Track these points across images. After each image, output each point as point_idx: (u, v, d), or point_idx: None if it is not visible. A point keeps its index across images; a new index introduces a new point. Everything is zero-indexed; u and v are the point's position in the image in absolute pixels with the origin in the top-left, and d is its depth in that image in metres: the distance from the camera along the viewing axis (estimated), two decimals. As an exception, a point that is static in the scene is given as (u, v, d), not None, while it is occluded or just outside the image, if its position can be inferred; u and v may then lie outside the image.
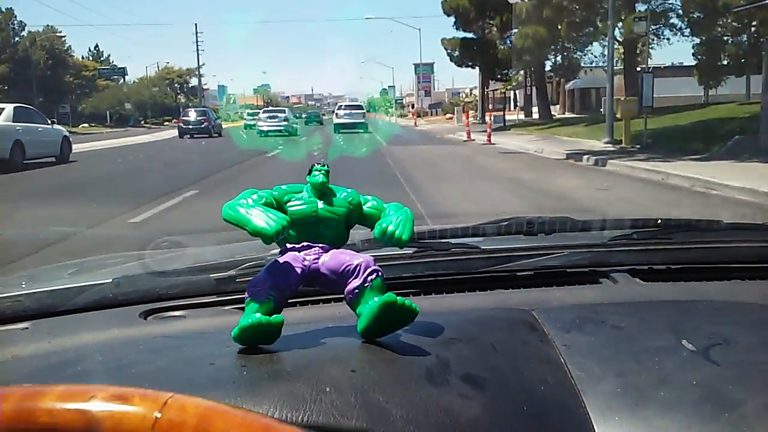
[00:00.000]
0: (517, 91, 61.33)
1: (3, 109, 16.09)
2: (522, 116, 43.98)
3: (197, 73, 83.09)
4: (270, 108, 46.28)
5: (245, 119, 46.63)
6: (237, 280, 1.20)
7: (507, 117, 37.45)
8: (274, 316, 0.87)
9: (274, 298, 0.89)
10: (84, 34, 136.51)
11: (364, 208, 1.00)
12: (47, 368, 0.92)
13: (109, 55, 79.65)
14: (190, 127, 31.74)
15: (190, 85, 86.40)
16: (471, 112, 37.37)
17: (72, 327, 1.11)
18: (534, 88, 39.83)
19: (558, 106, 46.11)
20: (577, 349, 0.92)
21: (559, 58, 34.99)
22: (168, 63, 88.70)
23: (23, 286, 1.35)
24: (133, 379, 0.82)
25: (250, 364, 0.85)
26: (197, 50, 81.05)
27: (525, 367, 0.87)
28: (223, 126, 37.25)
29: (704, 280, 1.29)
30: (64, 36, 65.29)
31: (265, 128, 33.74)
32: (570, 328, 0.99)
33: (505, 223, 1.51)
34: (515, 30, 31.45)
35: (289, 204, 0.96)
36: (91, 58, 76.21)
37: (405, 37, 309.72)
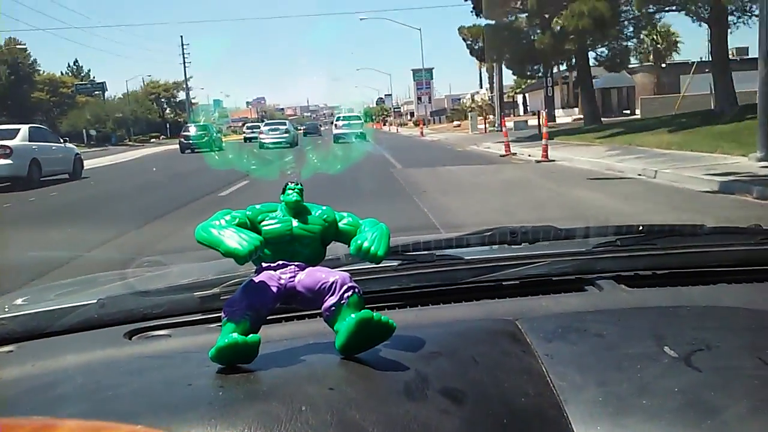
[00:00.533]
0: (527, 94, 57.23)
1: (19, 129, 17.12)
2: (533, 121, 34.34)
3: (184, 86, 78.43)
4: (271, 121, 46.92)
5: (245, 132, 47.44)
6: (221, 297, 1.20)
7: (524, 123, 33.86)
8: (251, 335, 0.87)
9: (251, 318, 0.89)
10: (66, 50, 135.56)
11: (340, 224, 1.01)
12: (29, 392, 0.92)
13: (89, 71, 74.83)
14: (191, 142, 32.56)
15: (177, 100, 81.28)
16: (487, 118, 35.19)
17: (56, 349, 1.10)
18: (566, 87, 36.40)
19: (576, 109, 40.43)
20: (559, 358, 0.92)
21: (603, 49, 28.20)
22: (150, 77, 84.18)
23: (6, 309, 1.35)
24: (109, 403, 0.82)
25: (227, 384, 0.84)
26: (184, 63, 77.56)
27: (506, 379, 0.87)
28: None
29: (689, 285, 1.29)
30: (27, 48, 59.92)
31: (267, 141, 34.06)
32: (552, 338, 0.99)
33: (489, 233, 1.52)
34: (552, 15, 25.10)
35: (263, 223, 0.96)
36: (70, 73, 71.49)
37: (401, 42, 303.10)
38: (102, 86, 69.32)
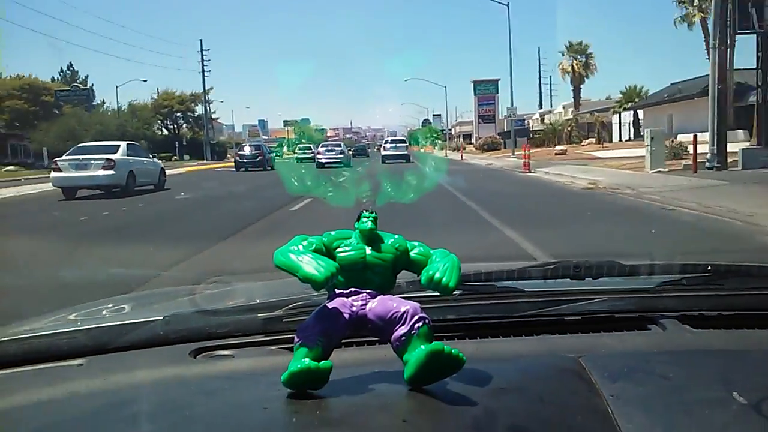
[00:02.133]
0: (622, 114, 46.99)
1: (119, 146, 19.82)
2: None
3: (204, 99, 67.42)
4: (328, 142, 48.45)
5: (297, 153, 48.19)
6: (284, 320, 1.22)
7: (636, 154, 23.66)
8: (323, 362, 0.89)
9: (323, 344, 0.91)
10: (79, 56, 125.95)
11: (411, 254, 1.02)
12: (104, 407, 0.95)
13: (86, 77, 63.49)
14: (245, 161, 34.43)
15: (196, 114, 70.32)
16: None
17: (125, 365, 1.13)
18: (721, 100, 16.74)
19: (740, 132, 26.87)
20: (625, 399, 0.91)
21: None
22: (146, 81, 73.01)
23: (78, 323, 1.39)
24: (188, 423, 0.84)
25: (301, 409, 0.86)
26: (203, 71, 66.94)
27: (572, 419, 0.86)
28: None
29: (756, 328, 1.25)
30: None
31: (324, 160, 35.61)
32: (618, 377, 0.98)
33: (552, 266, 1.50)
34: None
35: (338, 250, 0.98)
36: (60, 79, 61.81)
37: (453, 49, 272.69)
38: (87, 94, 57.36)
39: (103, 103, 62.10)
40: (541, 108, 77.37)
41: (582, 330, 1.26)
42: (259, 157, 33.80)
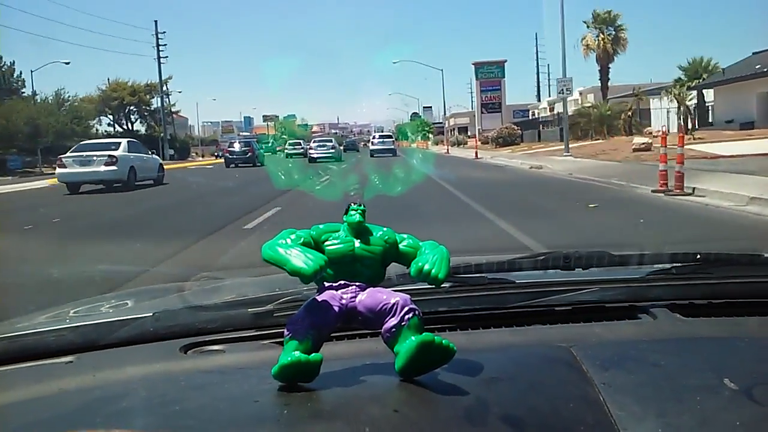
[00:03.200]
0: (708, 93, 34.98)
1: (120, 142, 20.99)
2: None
3: (160, 89, 58.80)
4: (319, 138, 50.92)
5: (287, 149, 49.52)
6: (275, 314, 1.22)
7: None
8: (313, 354, 0.89)
9: (313, 337, 0.91)
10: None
11: (401, 246, 1.02)
12: (93, 403, 0.94)
13: (12, 62, 52.25)
14: (235, 157, 34.19)
15: (152, 108, 61.61)
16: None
17: (115, 361, 1.13)
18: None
19: None
20: (616, 387, 0.91)
21: None
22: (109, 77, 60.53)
23: (67, 320, 1.38)
24: (178, 418, 0.84)
25: (291, 402, 0.86)
26: (158, 56, 57.80)
27: (564, 407, 0.86)
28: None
29: (746, 315, 1.26)
30: None
31: (316, 155, 37.76)
32: (609, 366, 0.98)
33: (542, 257, 1.50)
34: None
35: (326, 243, 0.98)
36: None
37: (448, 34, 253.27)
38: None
39: (35, 94, 51.29)
40: (538, 99, 70.56)
41: (573, 320, 1.27)
42: (249, 154, 33.91)
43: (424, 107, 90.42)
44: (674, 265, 1.48)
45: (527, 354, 1.08)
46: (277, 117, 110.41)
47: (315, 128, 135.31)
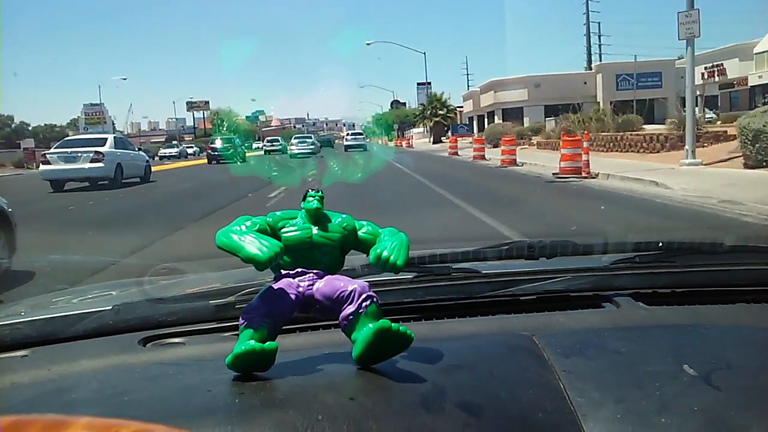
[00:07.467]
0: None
1: (106, 138, 20.21)
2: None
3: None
4: (299, 135, 53.57)
5: (265, 146, 51.94)
6: (236, 306, 1.20)
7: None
8: (268, 343, 0.87)
9: (268, 325, 0.89)
10: None
11: (359, 233, 1.00)
12: (43, 396, 0.92)
13: None
14: (217, 153, 34.52)
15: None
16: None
17: (71, 354, 1.11)
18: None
19: None
20: (577, 374, 0.91)
21: None
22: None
23: (22, 313, 1.35)
24: (127, 408, 0.82)
25: (244, 391, 0.84)
26: None
27: (523, 394, 0.86)
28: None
29: (708, 304, 1.28)
30: None
31: (296, 151, 40.51)
32: (570, 354, 0.98)
33: (506, 247, 1.50)
34: None
35: (283, 230, 0.96)
36: None
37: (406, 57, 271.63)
38: None
39: None
40: (589, 67, 50.70)
41: (537, 309, 1.27)
42: (231, 150, 34.30)
43: (394, 101, 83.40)
44: (638, 254, 1.49)
45: (489, 342, 1.08)
46: (207, 103, 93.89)
47: (275, 122, 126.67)
